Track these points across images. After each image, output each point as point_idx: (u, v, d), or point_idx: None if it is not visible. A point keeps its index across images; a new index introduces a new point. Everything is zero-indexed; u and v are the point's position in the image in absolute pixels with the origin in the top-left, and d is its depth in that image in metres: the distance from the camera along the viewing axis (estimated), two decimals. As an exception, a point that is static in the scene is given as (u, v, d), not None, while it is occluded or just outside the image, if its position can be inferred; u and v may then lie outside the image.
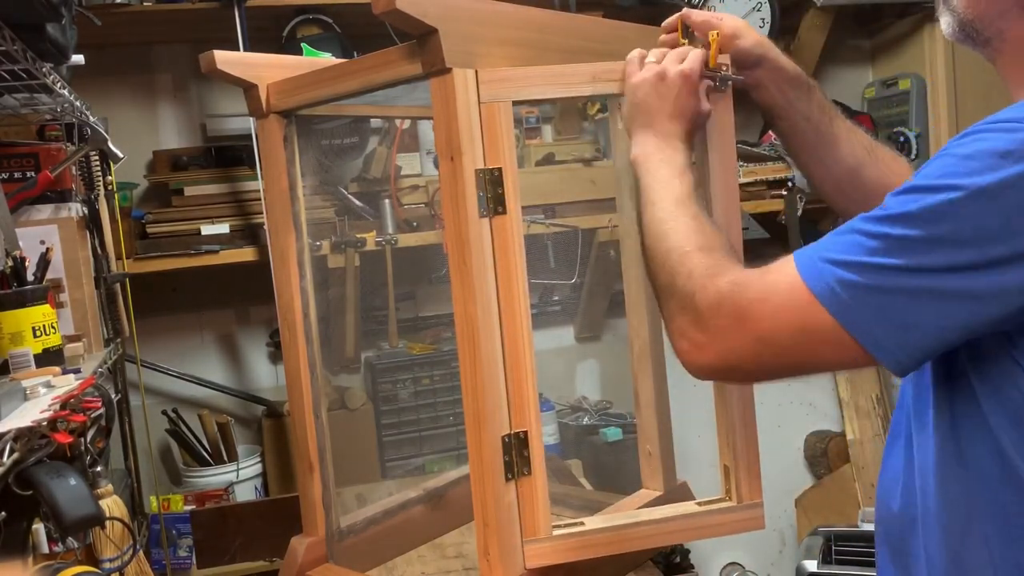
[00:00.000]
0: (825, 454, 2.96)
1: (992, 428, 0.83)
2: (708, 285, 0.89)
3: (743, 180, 2.58)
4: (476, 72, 1.12)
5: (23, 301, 1.36)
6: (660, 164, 1.07)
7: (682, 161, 1.08)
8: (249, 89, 1.37)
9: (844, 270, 0.80)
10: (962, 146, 0.78)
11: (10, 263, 1.36)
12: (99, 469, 1.44)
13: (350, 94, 1.28)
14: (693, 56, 1.14)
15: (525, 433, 1.16)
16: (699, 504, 1.29)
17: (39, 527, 1.36)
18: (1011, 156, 0.75)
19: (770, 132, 2.73)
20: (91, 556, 1.40)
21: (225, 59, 1.34)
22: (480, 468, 1.14)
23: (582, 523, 1.24)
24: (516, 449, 1.16)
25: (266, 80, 1.36)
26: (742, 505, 1.27)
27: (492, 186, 1.13)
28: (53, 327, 1.39)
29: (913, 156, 2.66)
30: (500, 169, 1.14)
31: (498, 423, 1.15)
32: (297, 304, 1.39)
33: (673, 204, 1.01)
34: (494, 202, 1.14)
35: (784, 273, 0.84)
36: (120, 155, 1.85)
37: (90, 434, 1.47)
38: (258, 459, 2.42)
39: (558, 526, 1.21)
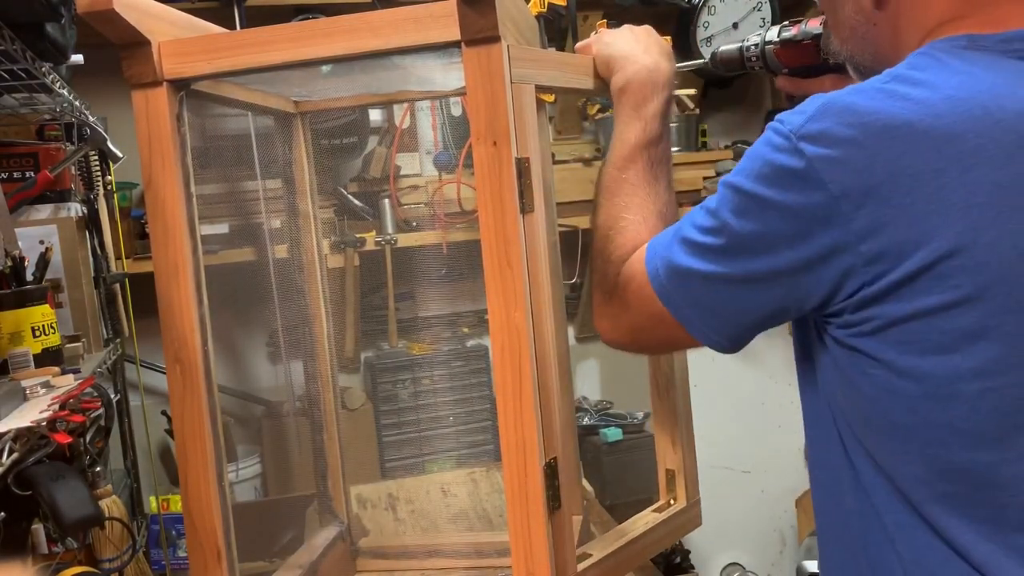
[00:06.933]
0: (825, 454, 2.96)
1: None
2: (624, 261, 0.93)
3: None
4: (508, 47, 0.95)
5: (22, 301, 1.35)
6: (645, 100, 1.02)
7: (663, 106, 1.03)
8: (138, 47, 1.03)
9: (669, 259, 0.85)
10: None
11: (9, 263, 1.36)
12: (98, 469, 1.45)
13: (308, 63, 1.03)
14: None
15: (555, 460, 1.00)
16: (657, 511, 1.25)
17: (39, 527, 1.36)
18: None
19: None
20: (91, 556, 1.40)
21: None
22: (525, 506, 0.98)
23: (590, 555, 1.14)
24: (549, 479, 0.99)
25: (158, 37, 1.05)
26: (690, 504, 1.26)
27: (525, 178, 0.98)
28: (52, 327, 1.39)
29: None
30: (528, 160, 0.97)
31: (539, 451, 0.99)
32: (194, 339, 1.06)
33: (642, 147, 1.00)
34: (526, 197, 0.98)
35: (639, 262, 0.90)
36: (119, 155, 1.85)
37: (89, 434, 1.48)
38: (257, 459, 2.42)
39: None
